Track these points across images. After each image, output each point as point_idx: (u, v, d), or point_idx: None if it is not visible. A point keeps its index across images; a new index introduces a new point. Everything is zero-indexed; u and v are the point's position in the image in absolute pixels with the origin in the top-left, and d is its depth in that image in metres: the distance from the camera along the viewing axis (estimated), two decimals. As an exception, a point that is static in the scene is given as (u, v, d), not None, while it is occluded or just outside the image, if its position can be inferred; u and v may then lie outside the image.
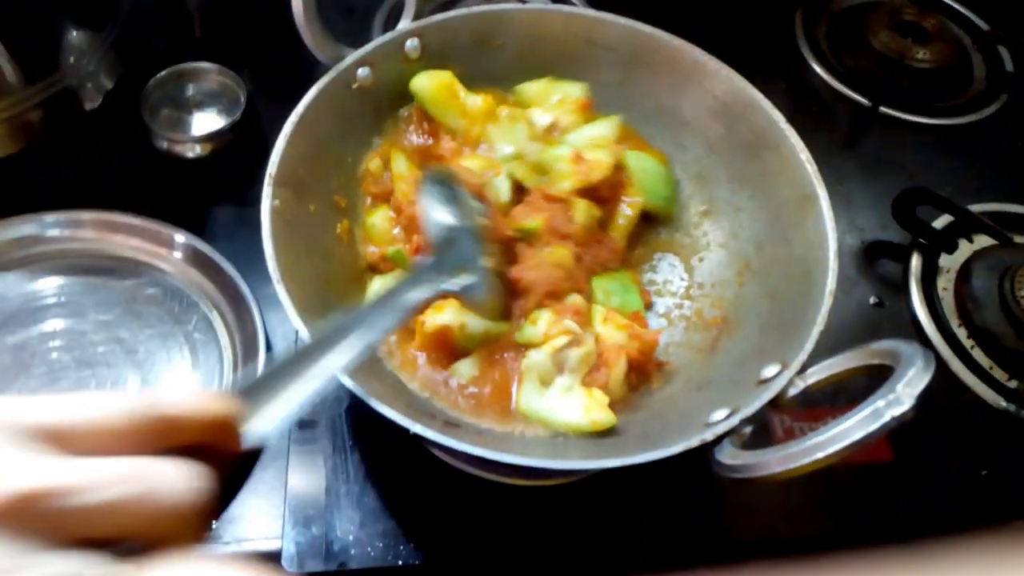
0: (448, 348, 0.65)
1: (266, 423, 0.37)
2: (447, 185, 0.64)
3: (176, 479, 0.30)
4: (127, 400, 0.31)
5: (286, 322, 0.54)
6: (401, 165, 0.71)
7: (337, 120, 0.69)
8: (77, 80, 0.88)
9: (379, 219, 0.70)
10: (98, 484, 0.28)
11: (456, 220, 0.62)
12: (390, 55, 0.71)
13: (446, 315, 0.64)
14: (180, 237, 0.78)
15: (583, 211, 0.69)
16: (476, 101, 0.72)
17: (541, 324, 0.63)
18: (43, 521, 0.27)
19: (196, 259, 0.77)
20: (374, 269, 0.69)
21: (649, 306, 0.72)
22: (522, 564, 0.67)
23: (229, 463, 0.34)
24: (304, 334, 0.54)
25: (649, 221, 0.75)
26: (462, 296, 0.60)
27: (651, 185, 0.73)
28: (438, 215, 0.62)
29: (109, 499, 0.28)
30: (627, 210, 0.72)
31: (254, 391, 0.38)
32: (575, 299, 0.66)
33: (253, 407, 0.37)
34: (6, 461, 0.27)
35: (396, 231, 0.69)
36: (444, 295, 0.59)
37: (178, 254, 0.78)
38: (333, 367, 0.42)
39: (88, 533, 0.28)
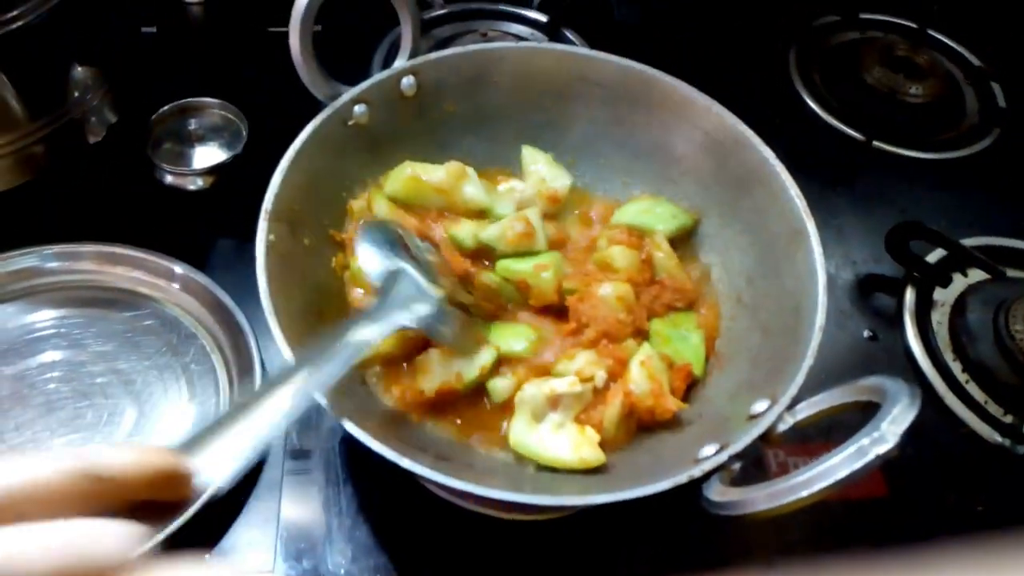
0: (452, 400, 0.65)
1: (217, 470, 0.36)
2: (384, 230, 0.66)
3: (113, 542, 0.29)
4: (61, 461, 0.30)
5: (282, 352, 0.55)
6: (382, 207, 0.71)
7: (333, 156, 0.70)
8: (81, 114, 0.89)
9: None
10: (26, 559, 0.27)
11: (396, 260, 0.63)
12: (386, 92, 0.72)
13: (437, 373, 0.64)
14: (178, 269, 0.79)
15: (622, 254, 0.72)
16: (439, 175, 0.73)
17: (579, 361, 0.64)
18: None
19: (194, 291, 0.78)
20: None
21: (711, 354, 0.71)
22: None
23: (179, 511, 0.34)
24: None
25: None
26: (423, 329, 0.61)
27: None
28: (377, 260, 0.63)
29: (39, 572, 0.27)
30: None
31: (199, 441, 0.37)
32: (628, 344, 0.67)
33: (201, 456, 0.36)
34: None
35: None
36: (401, 330, 0.60)
37: (176, 285, 0.79)
38: (279, 411, 0.43)
39: None
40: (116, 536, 0.29)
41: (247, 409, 0.41)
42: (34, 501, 0.29)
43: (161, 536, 0.34)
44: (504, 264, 0.71)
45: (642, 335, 0.69)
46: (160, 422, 0.71)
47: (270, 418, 0.41)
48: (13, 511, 0.28)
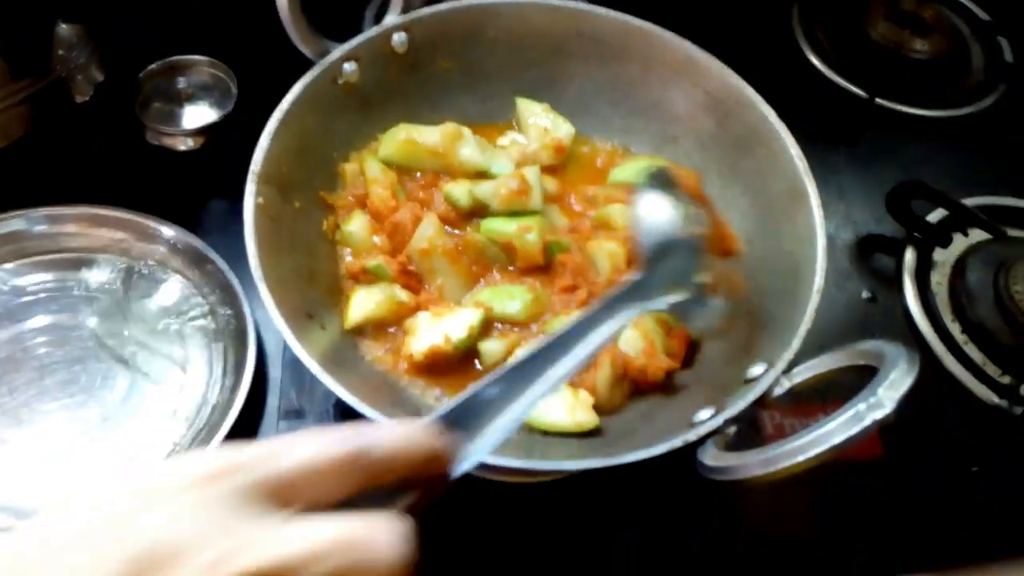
0: (443, 363, 0.64)
1: (475, 450, 0.35)
2: (666, 188, 0.60)
3: (389, 538, 0.29)
4: (339, 443, 0.30)
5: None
6: (375, 169, 0.70)
7: (323, 116, 0.68)
8: (67, 72, 0.87)
9: (356, 226, 0.69)
10: (315, 556, 0.27)
11: (673, 228, 0.58)
12: (377, 50, 0.71)
13: (426, 335, 0.63)
14: (169, 231, 0.77)
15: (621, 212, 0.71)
16: (433, 136, 0.71)
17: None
18: None
19: (186, 253, 0.77)
20: (354, 278, 0.68)
21: None
22: (507, 561, 0.67)
23: (437, 492, 0.34)
24: (285, 332, 0.54)
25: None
26: (675, 315, 0.58)
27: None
28: (655, 222, 0.57)
29: (327, 571, 0.27)
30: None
31: (459, 416, 0.36)
32: None
33: (460, 435, 0.35)
34: (242, 533, 0.27)
35: (376, 239, 0.68)
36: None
37: (168, 248, 0.78)
38: (542, 390, 0.39)
39: None
40: (391, 534, 0.29)
41: (509, 386, 0.38)
42: (316, 485, 0.29)
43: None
44: (488, 225, 0.70)
45: None
46: (154, 385, 0.71)
47: (531, 398, 0.38)
48: (300, 496, 0.29)
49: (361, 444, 0.30)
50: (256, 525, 0.28)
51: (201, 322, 0.75)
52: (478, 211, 0.71)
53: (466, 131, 0.72)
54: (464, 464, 0.35)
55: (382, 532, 0.29)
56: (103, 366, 0.72)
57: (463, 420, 0.35)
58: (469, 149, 0.72)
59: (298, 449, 0.30)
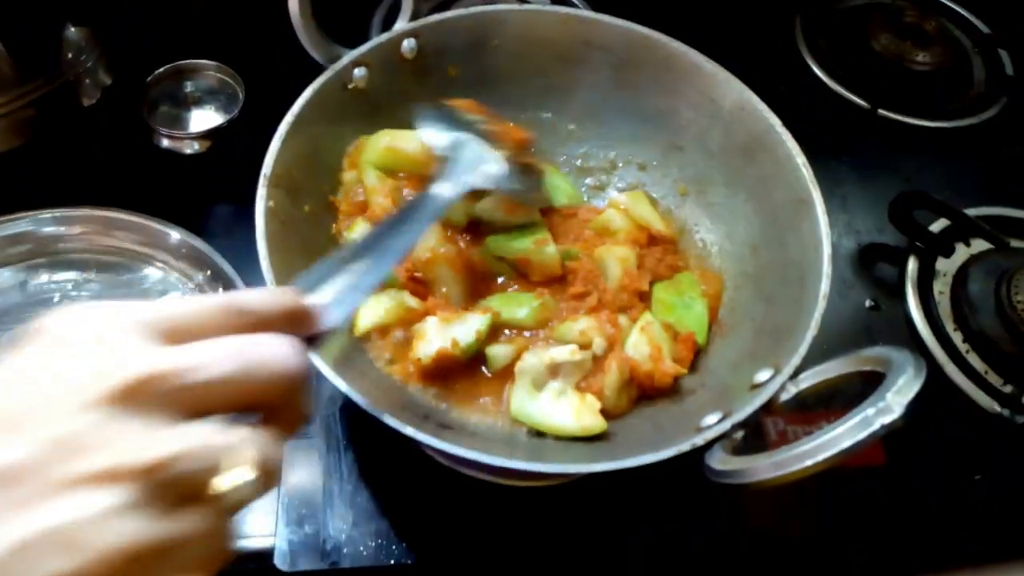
0: (451, 368, 0.64)
1: (333, 310, 0.40)
2: (440, 109, 0.68)
3: (279, 349, 0.33)
4: (217, 298, 0.34)
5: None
6: (372, 178, 0.70)
7: (332, 121, 0.69)
8: (75, 76, 0.88)
9: (360, 234, 0.68)
10: (212, 360, 0.31)
11: (457, 131, 0.66)
12: (386, 56, 0.71)
13: (434, 339, 0.63)
14: (176, 234, 0.78)
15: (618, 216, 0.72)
16: (413, 145, 0.71)
17: (580, 324, 0.64)
18: (166, 398, 0.30)
19: (191, 256, 0.77)
20: None
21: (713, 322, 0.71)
22: (514, 565, 0.67)
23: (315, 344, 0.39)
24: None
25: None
26: (495, 188, 0.65)
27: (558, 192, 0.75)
28: (439, 133, 0.66)
29: (223, 372, 0.31)
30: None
31: (316, 283, 0.42)
32: (630, 312, 0.68)
33: (319, 294, 0.41)
34: (132, 349, 0.30)
35: None
36: (476, 192, 0.64)
37: (173, 251, 0.78)
38: (381, 266, 0.46)
39: (206, 407, 0.31)
40: (285, 345, 0.33)
41: (352, 258, 0.45)
42: (203, 327, 0.33)
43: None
44: (498, 242, 0.69)
45: (643, 300, 0.69)
46: None
47: (372, 267, 0.45)
48: (190, 335, 0.32)
49: (237, 296, 0.35)
50: (143, 346, 0.31)
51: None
52: (473, 227, 0.71)
53: None
54: (326, 321, 0.39)
55: (274, 340, 0.34)
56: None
57: (319, 286, 0.42)
58: None
59: (185, 302, 0.34)
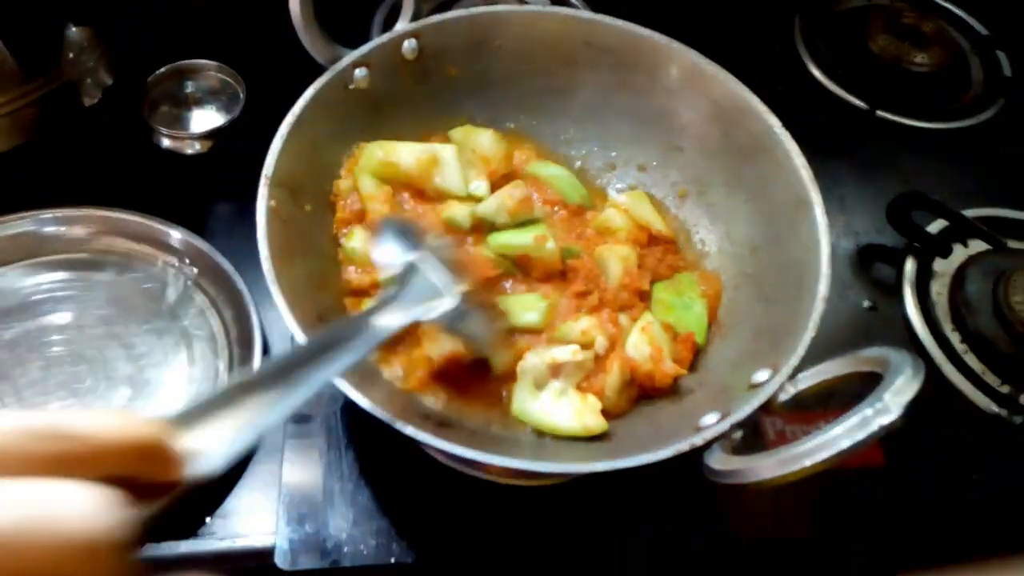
0: (457, 370, 0.64)
1: (213, 454, 0.33)
2: (402, 226, 0.63)
3: (83, 505, 0.25)
4: (30, 417, 0.27)
5: (283, 319, 0.54)
6: (369, 185, 0.70)
7: (334, 121, 0.69)
8: (76, 76, 0.88)
9: (359, 242, 0.68)
10: None
11: (415, 253, 0.60)
12: (387, 56, 0.71)
13: (443, 340, 0.63)
14: (177, 234, 0.78)
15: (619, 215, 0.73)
16: (409, 161, 0.70)
17: (582, 324, 0.65)
18: None
19: (193, 255, 0.78)
20: (364, 292, 0.67)
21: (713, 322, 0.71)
22: (514, 564, 0.67)
23: (164, 493, 0.31)
24: (298, 336, 0.54)
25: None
26: (444, 325, 0.59)
27: (566, 188, 0.74)
28: (394, 253, 0.60)
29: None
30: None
31: (196, 418, 0.34)
32: (631, 311, 0.68)
33: (195, 434, 0.33)
34: None
35: None
36: (419, 325, 0.59)
37: (175, 250, 0.78)
38: (288, 402, 0.39)
39: None
40: (94, 500, 0.26)
41: (253, 389, 0.38)
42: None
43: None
44: (500, 240, 0.70)
45: (644, 300, 0.69)
46: (159, 387, 0.71)
47: (277, 403, 0.38)
48: None
49: (63, 419, 0.27)
50: None
51: (207, 323, 0.76)
52: (478, 228, 0.72)
53: (444, 155, 0.71)
54: (200, 465, 0.32)
55: (79, 492, 0.25)
56: (108, 366, 0.72)
57: (202, 422, 0.34)
58: (442, 176, 0.71)
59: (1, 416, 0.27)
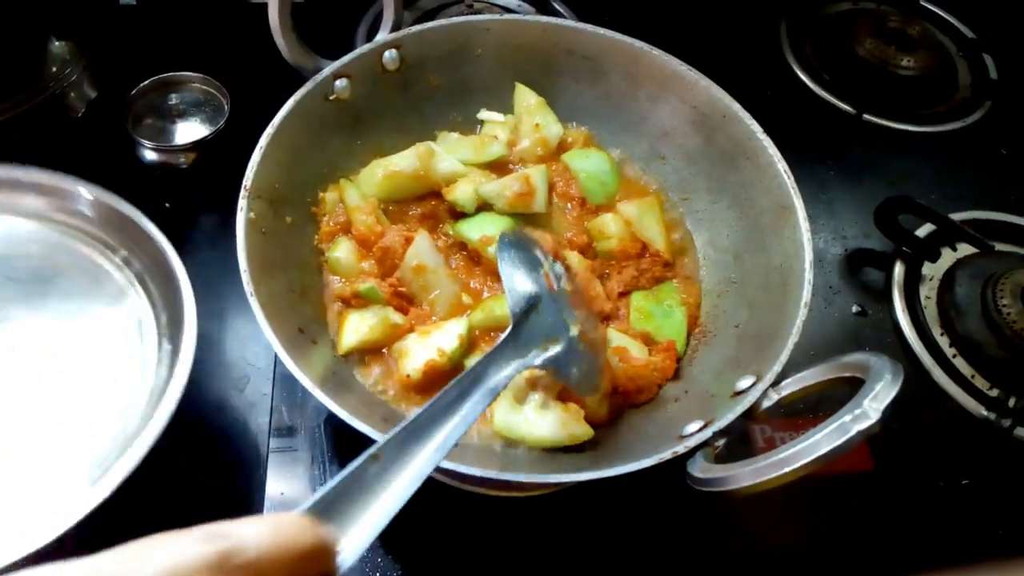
0: (439, 379, 0.63)
1: (357, 542, 0.32)
2: (524, 248, 0.60)
3: None
4: (198, 547, 0.27)
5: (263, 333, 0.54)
6: (354, 197, 0.70)
7: (314, 132, 0.69)
8: (60, 89, 0.88)
9: (343, 252, 0.68)
10: None
11: (536, 286, 0.56)
12: (368, 66, 0.71)
13: (419, 353, 0.63)
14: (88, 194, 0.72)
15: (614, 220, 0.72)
16: (409, 162, 0.70)
17: None
18: None
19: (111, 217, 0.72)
20: (345, 303, 0.67)
21: (694, 330, 0.70)
22: (502, 574, 0.67)
23: None
24: (276, 346, 0.54)
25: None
26: (552, 371, 0.55)
27: (593, 186, 0.74)
28: (518, 282, 0.56)
29: None
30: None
31: (339, 505, 0.33)
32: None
33: (340, 523, 0.32)
34: None
35: (365, 265, 0.68)
36: (530, 370, 0.55)
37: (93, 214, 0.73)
38: (421, 469, 0.38)
39: None
40: None
41: (391, 467, 0.36)
42: None
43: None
44: (459, 229, 0.70)
45: (615, 313, 0.69)
46: (78, 393, 0.65)
47: (410, 476, 0.37)
48: None
49: (223, 547, 0.27)
50: None
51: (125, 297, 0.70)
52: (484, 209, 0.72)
53: (433, 145, 0.72)
54: (350, 556, 0.31)
55: None
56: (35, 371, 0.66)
57: (341, 505, 0.33)
58: (446, 162, 0.71)
59: (154, 558, 0.26)
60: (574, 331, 0.56)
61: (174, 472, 0.67)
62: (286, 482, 0.68)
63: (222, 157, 0.87)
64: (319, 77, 0.68)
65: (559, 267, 0.62)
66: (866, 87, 1.06)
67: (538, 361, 0.53)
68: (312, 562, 0.29)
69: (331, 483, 0.33)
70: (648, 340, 0.66)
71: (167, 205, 0.84)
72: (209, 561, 0.26)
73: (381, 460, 0.36)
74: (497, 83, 0.77)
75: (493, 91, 0.77)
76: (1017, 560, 0.67)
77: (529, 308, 0.55)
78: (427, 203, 0.72)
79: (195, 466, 0.69)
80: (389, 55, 0.72)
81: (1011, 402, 0.78)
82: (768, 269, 0.66)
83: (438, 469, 0.53)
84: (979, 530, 0.73)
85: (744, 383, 0.57)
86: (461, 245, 0.71)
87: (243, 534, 0.28)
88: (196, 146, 0.87)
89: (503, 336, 0.52)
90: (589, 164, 0.74)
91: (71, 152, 0.88)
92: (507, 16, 0.80)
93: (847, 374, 0.52)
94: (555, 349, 0.54)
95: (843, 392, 0.52)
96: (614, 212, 0.73)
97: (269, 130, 0.64)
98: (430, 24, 0.73)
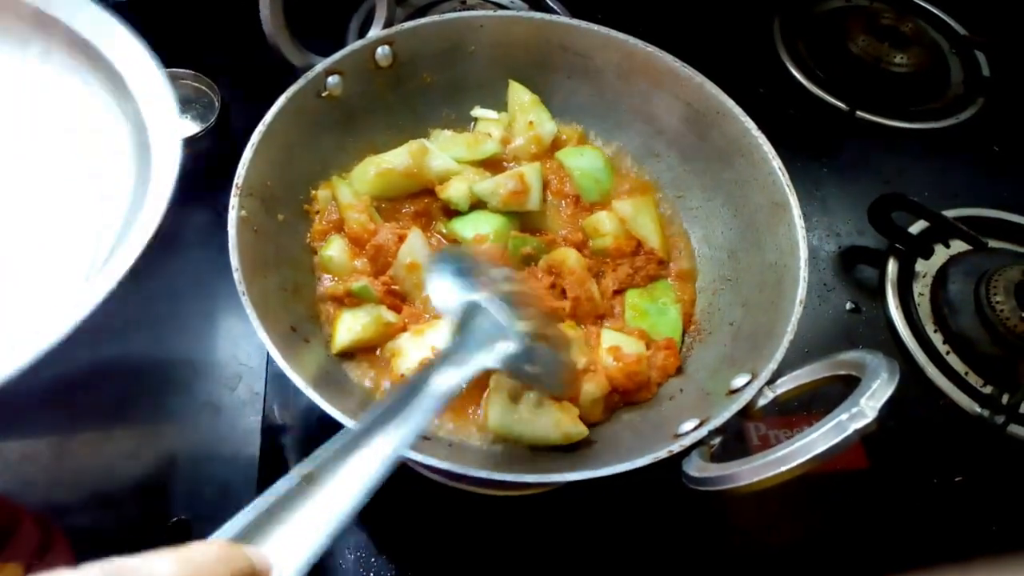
0: None
1: (290, 559, 0.31)
2: (454, 261, 0.59)
3: None
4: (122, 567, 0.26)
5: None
6: (347, 195, 0.69)
7: (307, 129, 0.68)
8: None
9: (336, 251, 0.67)
10: None
11: (471, 292, 0.55)
12: (361, 63, 0.70)
13: (412, 352, 0.62)
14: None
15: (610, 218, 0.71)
16: (402, 159, 0.70)
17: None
18: None
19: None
20: (338, 302, 0.67)
21: (689, 328, 0.70)
22: (498, 573, 0.66)
23: None
24: (269, 346, 0.53)
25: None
26: (511, 371, 0.54)
27: (587, 184, 0.73)
28: (452, 294, 0.55)
29: None
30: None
31: (266, 525, 0.32)
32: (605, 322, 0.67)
33: (272, 544, 0.31)
34: None
35: (358, 263, 0.67)
36: (487, 372, 0.55)
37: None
38: (364, 482, 0.36)
39: None
40: None
41: (319, 480, 0.35)
42: None
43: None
44: (452, 227, 0.70)
45: (609, 311, 0.69)
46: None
47: (349, 491, 0.35)
48: None
49: (144, 564, 0.26)
50: None
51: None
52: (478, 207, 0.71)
53: (426, 143, 0.72)
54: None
55: None
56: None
57: (270, 527, 0.32)
58: (439, 159, 0.71)
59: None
60: (520, 327, 0.54)
61: (166, 470, 0.66)
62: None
63: (213, 154, 0.87)
64: (311, 74, 0.67)
65: (501, 271, 0.60)
66: (859, 84, 1.06)
67: (492, 363, 0.51)
68: None
69: (254, 505, 0.32)
70: (643, 338, 0.66)
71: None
72: None
73: (314, 477, 0.35)
74: (491, 80, 0.76)
75: (487, 88, 0.77)
76: (1011, 556, 0.67)
77: (467, 315, 0.53)
78: (420, 201, 0.71)
79: (186, 465, 0.68)
80: (382, 51, 0.71)
81: (1004, 399, 0.78)
82: (763, 266, 0.66)
83: (432, 468, 0.53)
84: (973, 526, 0.73)
85: (740, 381, 0.57)
86: (455, 243, 0.70)
87: (167, 562, 0.27)
88: (186, 143, 0.86)
89: (444, 349, 0.51)
90: (583, 162, 0.74)
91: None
92: (500, 13, 0.79)
93: (843, 372, 0.52)
94: (507, 348, 0.52)
95: (837, 390, 0.52)
96: (609, 210, 0.72)
97: (261, 127, 0.63)
98: (423, 20, 0.73)
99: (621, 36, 0.73)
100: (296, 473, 0.34)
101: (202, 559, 0.28)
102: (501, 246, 0.68)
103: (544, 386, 0.58)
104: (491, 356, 0.51)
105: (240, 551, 0.29)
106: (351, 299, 0.65)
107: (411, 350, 0.62)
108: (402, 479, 0.65)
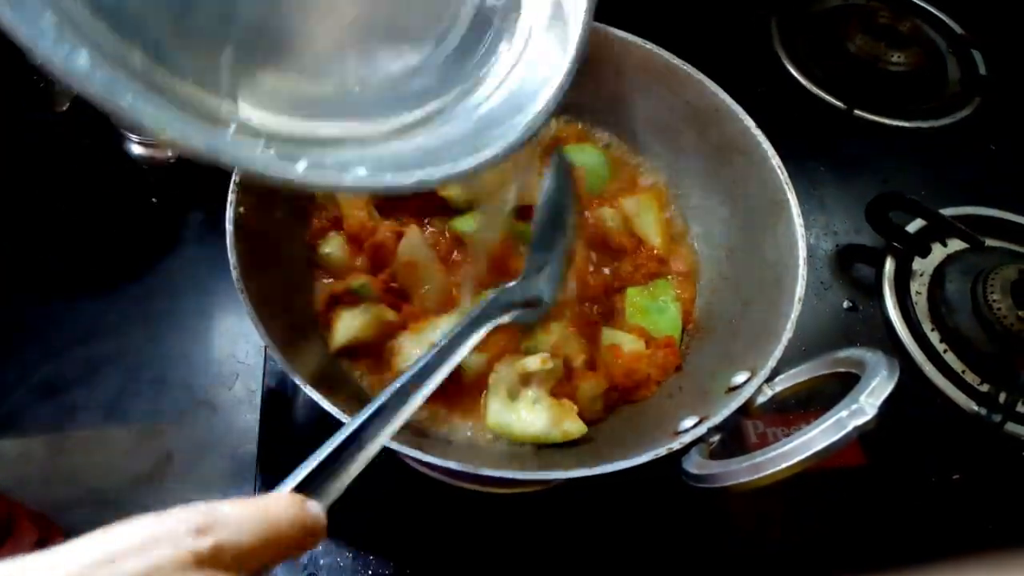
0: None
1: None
2: (567, 193, 0.65)
3: None
4: (186, 546, 0.26)
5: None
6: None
7: (305, 125, 0.68)
8: (45, 82, 0.86)
9: (334, 248, 0.67)
10: None
11: (560, 241, 0.63)
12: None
13: (412, 351, 0.62)
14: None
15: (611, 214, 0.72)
16: None
17: (553, 335, 0.64)
18: None
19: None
20: (337, 300, 0.66)
21: (688, 325, 0.71)
22: (493, 573, 0.66)
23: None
24: (268, 344, 0.53)
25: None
26: (517, 322, 0.59)
27: (588, 179, 0.74)
28: (545, 221, 0.63)
29: None
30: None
31: (316, 480, 0.35)
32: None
33: (320, 497, 0.34)
34: None
35: (357, 261, 0.67)
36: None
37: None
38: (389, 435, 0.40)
39: None
40: None
41: (368, 441, 0.38)
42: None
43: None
44: (454, 223, 0.70)
45: (608, 307, 0.69)
46: None
47: (382, 443, 0.39)
48: None
49: (208, 545, 0.27)
50: None
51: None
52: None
53: None
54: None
55: None
56: None
57: (322, 480, 0.35)
58: None
59: (137, 532, 0.26)
60: (554, 301, 0.62)
61: (163, 467, 0.66)
62: (276, 479, 0.67)
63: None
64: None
65: (577, 219, 0.67)
66: (857, 83, 1.06)
67: (509, 319, 0.57)
68: (303, 540, 0.30)
69: (314, 459, 0.35)
70: (643, 336, 0.66)
71: (154, 200, 0.83)
72: (200, 555, 0.26)
73: (362, 435, 0.38)
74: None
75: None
76: (1007, 554, 0.68)
77: (542, 261, 0.61)
78: (419, 198, 0.71)
79: (184, 463, 0.68)
80: (380, 49, 0.71)
81: (1001, 397, 0.78)
82: (762, 264, 0.66)
83: (430, 466, 0.53)
84: (970, 524, 0.73)
85: (739, 379, 0.57)
86: (455, 240, 0.70)
87: (229, 520, 0.28)
88: (185, 141, 0.86)
89: (509, 287, 0.59)
90: (583, 158, 0.74)
91: (58, 145, 0.87)
92: (499, 10, 0.79)
93: (841, 369, 0.52)
94: (533, 314, 0.60)
95: (834, 388, 0.52)
96: (613, 206, 0.73)
97: (259, 123, 0.63)
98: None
99: (619, 33, 0.73)
100: (347, 432, 0.37)
101: (277, 510, 0.30)
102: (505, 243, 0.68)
103: (525, 326, 0.63)
104: (523, 313, 0.58)
105: (305, 504, 0.31)
106: (350, 297, 0.65)
107: (410, 348, 0.62)
108: (400, 477, 0.66)
